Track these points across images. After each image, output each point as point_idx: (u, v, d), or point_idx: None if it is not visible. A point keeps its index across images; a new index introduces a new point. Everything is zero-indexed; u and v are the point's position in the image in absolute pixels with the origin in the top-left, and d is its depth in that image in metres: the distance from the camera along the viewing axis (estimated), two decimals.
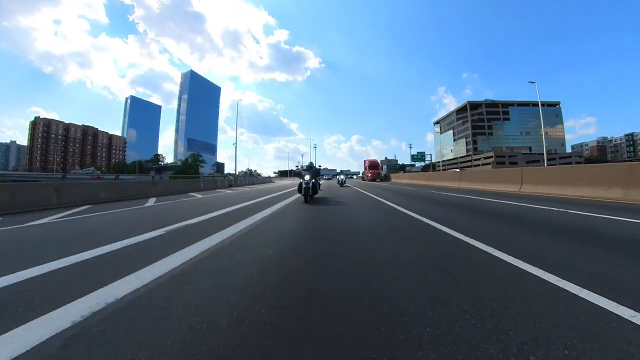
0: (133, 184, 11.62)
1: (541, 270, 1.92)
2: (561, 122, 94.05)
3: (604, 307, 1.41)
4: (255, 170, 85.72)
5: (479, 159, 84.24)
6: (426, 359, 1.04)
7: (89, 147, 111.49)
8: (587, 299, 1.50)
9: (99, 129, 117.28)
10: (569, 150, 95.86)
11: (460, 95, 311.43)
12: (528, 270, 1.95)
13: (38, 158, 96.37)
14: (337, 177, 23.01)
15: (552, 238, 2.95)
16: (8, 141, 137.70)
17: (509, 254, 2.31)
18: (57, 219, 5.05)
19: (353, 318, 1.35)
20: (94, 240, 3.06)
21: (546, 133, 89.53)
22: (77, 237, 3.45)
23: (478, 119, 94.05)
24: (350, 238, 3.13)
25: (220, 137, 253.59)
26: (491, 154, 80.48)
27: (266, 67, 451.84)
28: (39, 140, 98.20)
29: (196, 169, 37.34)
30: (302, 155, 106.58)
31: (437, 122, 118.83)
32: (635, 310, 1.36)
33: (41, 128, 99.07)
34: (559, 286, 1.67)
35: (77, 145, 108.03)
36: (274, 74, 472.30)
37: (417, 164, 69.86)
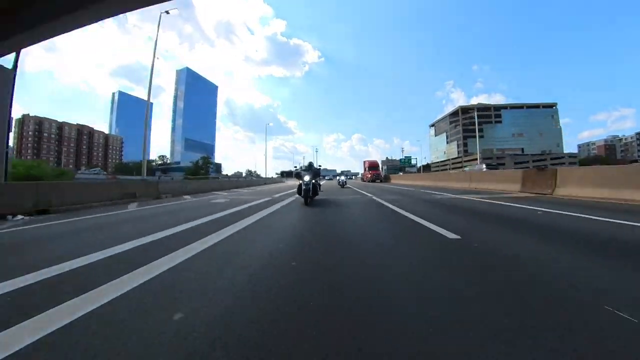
0: (175, 183, 14.28)
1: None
2: (558, 123, 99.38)
3: (440, 232, 3.49)
4: (255, 171, 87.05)
5: (468, 161, 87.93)
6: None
7: (84, 147, 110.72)
8: (437, 230, 3.65)
9: (94, 128, 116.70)
10: (568, 150, 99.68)
11: (470, 90, 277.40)
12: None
13: (29, 158, 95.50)
14: (338, 178, 22.51)
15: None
16: None
17: None
18: (188, 200, 8.19)
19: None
20: (213, 210, 6.24)
21: (541, 134, 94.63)
22: (207, 206, 6.43)
23: (470, 122, 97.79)
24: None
25: None
26: (476, 156, 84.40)
27: (263, 61, 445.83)
28: (29, 139, 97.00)
29: (206, 171, 39.46)
30: (304, 157, 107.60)
31: (432, 125, 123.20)
32: (455, 233, 3.32)
33: (32, 127, 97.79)
34: (429, 228, 3.71)
35: (72, 145, 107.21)
36: (271, 68, 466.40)
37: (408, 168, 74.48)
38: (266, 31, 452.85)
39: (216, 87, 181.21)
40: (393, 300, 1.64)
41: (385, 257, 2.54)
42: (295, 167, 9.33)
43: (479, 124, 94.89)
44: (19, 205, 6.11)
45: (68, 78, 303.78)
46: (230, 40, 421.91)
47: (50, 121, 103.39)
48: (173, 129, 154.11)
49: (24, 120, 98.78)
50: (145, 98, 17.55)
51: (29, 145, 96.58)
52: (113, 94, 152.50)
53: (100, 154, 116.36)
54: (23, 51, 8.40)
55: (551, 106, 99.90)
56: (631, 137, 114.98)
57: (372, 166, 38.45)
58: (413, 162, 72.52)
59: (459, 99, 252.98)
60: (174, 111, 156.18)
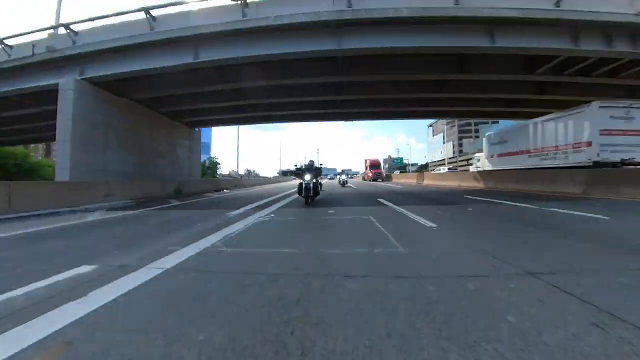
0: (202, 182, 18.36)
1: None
2: None
3: (421, 222, 4.75)
4: (254, 170, 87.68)
5: (463, 160, 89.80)
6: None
7: None
8: (417, 220, 4.95)
9: None
10: None
11: None
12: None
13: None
14: (339, 176, 22.22)
15: None
16: None
17: None
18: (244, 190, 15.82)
19: None
20: (250, 199, 10.45)
21: None
22: (254, 194, 12.40)
23: (465, 123, 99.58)
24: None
25: None
26: (469, 156, 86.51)
27: None
28: None
29: (214, 171, 40.53)
30: (305, 157, 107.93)
31: (430, 125, 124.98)
32: (432, 223, 4.56)
33: None
34: (412, 218, 5.09)
35: None
36: None
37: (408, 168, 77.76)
38: None
39: None
40: None
41: None
42: (296, 165, 9.38)
43: (475, 124, 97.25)
44: (207, 190, 16.34)
45: None
46: None
47: None
48: None
49: None
50: None
51: None
52: None
53: None
54: None
55: None
56: None
57: (374, 165, 37.17)
58: (405, 161, 77.70)
59: None
60: None
